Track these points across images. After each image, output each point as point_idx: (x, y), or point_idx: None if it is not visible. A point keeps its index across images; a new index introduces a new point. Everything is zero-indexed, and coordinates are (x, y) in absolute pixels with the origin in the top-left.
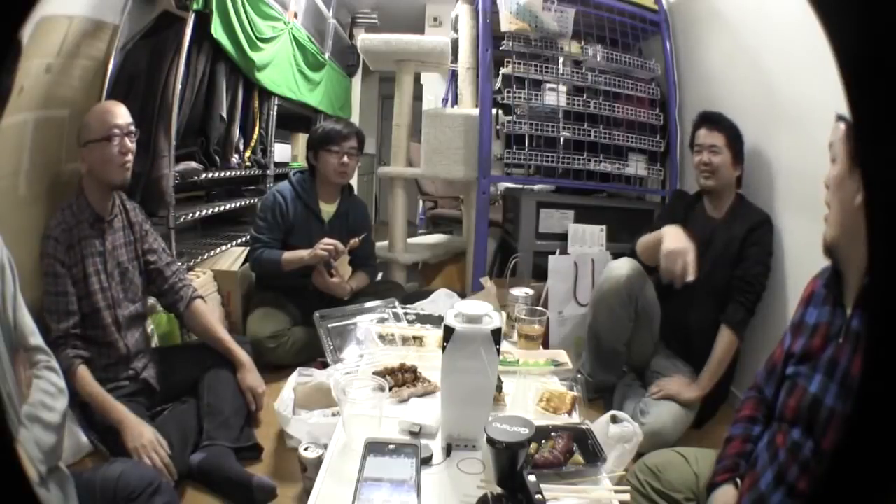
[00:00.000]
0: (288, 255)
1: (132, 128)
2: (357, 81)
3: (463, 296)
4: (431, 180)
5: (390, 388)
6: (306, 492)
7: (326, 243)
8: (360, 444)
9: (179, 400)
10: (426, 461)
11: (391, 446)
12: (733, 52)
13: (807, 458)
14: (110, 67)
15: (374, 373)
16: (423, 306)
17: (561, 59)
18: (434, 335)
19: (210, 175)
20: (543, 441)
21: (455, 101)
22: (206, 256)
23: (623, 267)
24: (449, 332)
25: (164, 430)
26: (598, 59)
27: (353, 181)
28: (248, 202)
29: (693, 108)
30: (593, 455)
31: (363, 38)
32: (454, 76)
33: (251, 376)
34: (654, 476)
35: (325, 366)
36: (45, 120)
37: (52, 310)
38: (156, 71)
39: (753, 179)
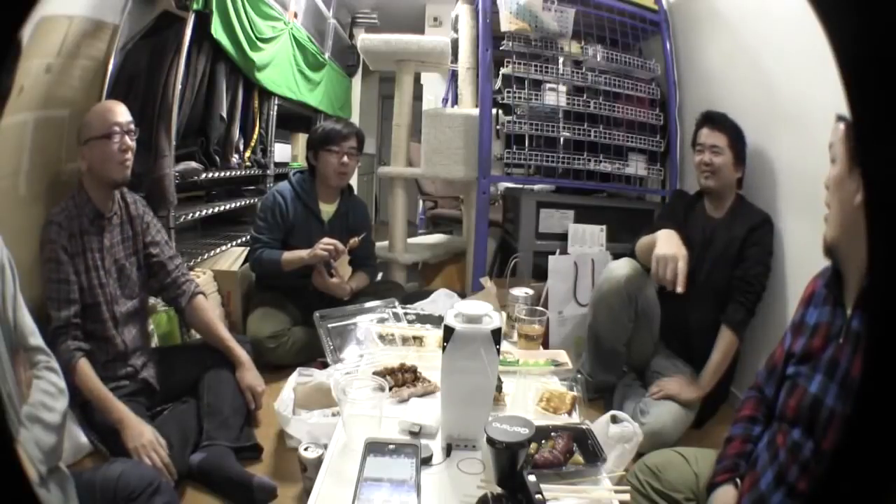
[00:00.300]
0: (288, 255)
1: (132, 126)
2: (357, 81)
3: (463, 296)
4: (431, 180)
5: (390, 388)
6: (306, 492)
7: (326, 243)
8: (360, 444)
9: (179, 400)
10: (426, 461)
11: (391, 446)
12: (733, 52)
13: (807, 458)
14: (110, 67)
15: (374, 373)
16: (423, 306)
17: (561, 59)
18: (434, 335)
19: (210, 175)
20: (543, 441)
21: (455, 101)
22: (206, 256)
23: (623, 268)
24: (449, 332)
25: (164, 430)
26: (598, 59)
27: (353, 181)
28: (248, 202)
29: (693, 108)
30: (593, 455)
31: (363, 38)
32: (454, 76)
33: (250, 375)
34: (654, 476)
35: (325, 366)
36: (45, 120)
37: (54, 297)
38: (156, 71)
39: (753, 179)
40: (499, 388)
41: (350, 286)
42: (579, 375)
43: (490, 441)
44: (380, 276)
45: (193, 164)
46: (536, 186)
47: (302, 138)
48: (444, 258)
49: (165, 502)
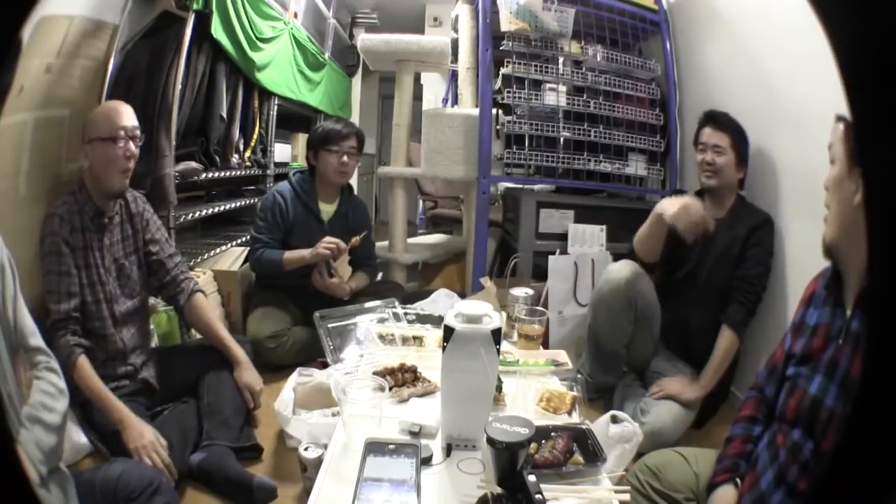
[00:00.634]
0: (289, 254)
1: (138, 132)
2: (357, 81)
3: (463, 296)
4: (431, 180)
5: (390, 388)
6: (306, 492)
7: (328, 242)
8: (360, 444)
9: (179, 400)
10: (426, 461)
11: (391, 446)
12: (733, 52)
13: (807, 458)
14: (110, 67)
15: (374, 373)
16: (423, 306)
17: (561, 59)
18: (434, 335)
19: (210, 175)
20: (543, 441)
21: (455, 101)
22: (206, 256)
23: (622, 269)
24: (449, 332)
25: (164, 430)
26: (598, 59)
27: (353, 181)
28: (248, 202)
29: (693, 108)
30: (593, 455)
31: (363, 38)
32: (454, 76)
33: (248, 374)
34: (654, 476)
35: (325, 366)
36: (45, 120)
37: (54, 290)
38: (156, 71)
39: (753, 179)
40: (499, 388)
41: (350, 286)
42: (579, 375)
43: (490, 441)
44: (380, 276)
45: (193, 164)
46: (536, 186)
47: (302, 138)
48: (444, 258)
49: (165, 502)
